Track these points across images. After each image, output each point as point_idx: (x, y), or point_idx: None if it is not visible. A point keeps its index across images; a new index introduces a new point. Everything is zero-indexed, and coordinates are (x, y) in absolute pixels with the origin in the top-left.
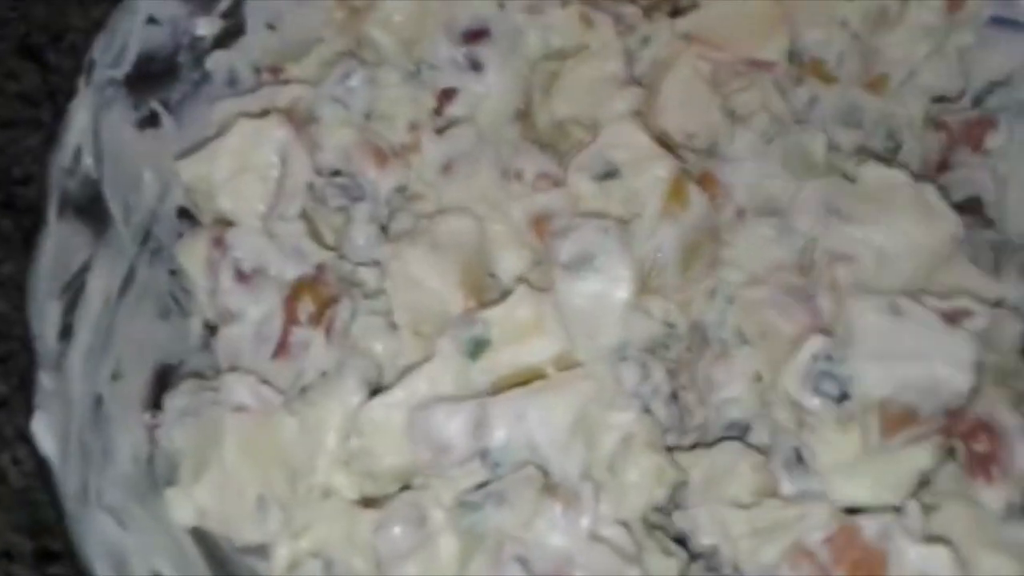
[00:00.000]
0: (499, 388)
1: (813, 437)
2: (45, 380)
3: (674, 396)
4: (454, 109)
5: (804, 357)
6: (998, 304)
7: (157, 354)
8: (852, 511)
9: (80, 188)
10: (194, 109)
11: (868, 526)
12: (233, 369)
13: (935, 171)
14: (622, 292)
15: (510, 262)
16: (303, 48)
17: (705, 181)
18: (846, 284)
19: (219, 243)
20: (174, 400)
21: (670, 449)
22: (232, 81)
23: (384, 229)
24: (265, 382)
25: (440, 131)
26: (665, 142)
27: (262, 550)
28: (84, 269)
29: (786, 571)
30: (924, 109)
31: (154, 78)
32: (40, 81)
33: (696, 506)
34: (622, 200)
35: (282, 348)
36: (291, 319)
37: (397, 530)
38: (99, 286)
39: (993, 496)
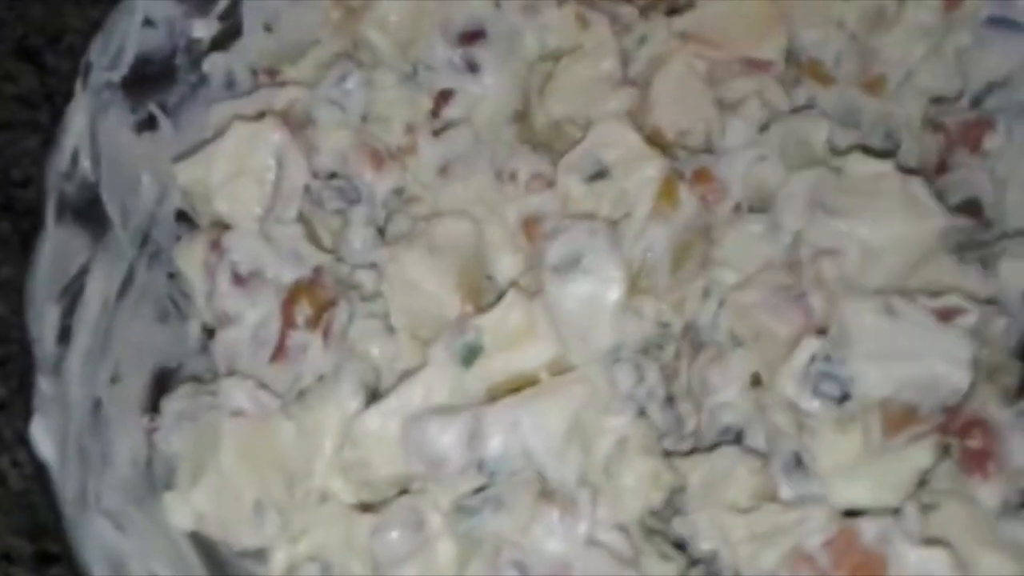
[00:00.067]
0: (494, 394)
1: (813, 440)
2: (44, 384)
3: (670, 400)
4: (451, 111)
5: (801, 359)
6: (989, 302)
7: (155, 357)
8: (851, 514)
9: (78, 191)
10: (191, 112)
11: (867, 529)
12: (231, 373)
13: (934, 172)
14: (613, 293)
15: (507, 265)
16: (299, 50)
17: (701, 177)
18: (832, 279)
19: (216, 246)
20: (172, 404)
21: (668, 454)
22: (229, 83)
23: (381, 232)
24: (263, 386)
25: (437, 133)
26: (658, 140)
27: (260, 554)
28: (82, 272)
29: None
30: (922, 110)
31: (151, 81)
32: (38, 83)
33: (695, 511)
34: (612, 200)
35: (280, 351)
36: (288, 322)
37: (395, 534)
38: (98, 289)
39: (989, 493)
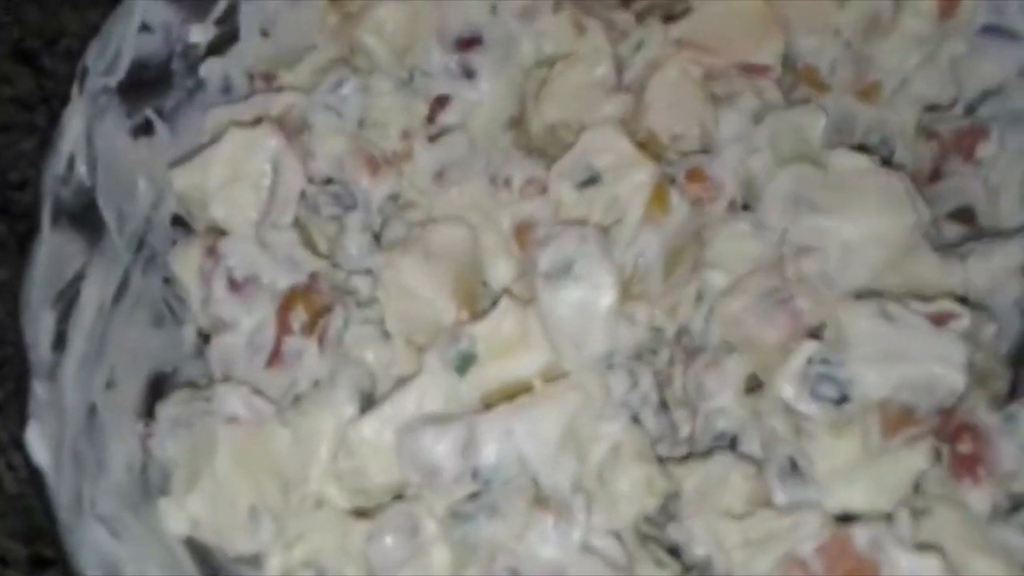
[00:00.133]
0: (488, 401)
1: (809, 443)
2: (39, 389)
3: (663, 406)
4: (447, 116)
5: (798, 362)
6: (977, 307)
7: (151, 362)
8: (844, 519)
9: (74, 196)
10: (188, 116)
11: (860, 535)
12: (226, 378)
13: (927, 180)
14: (605, 299)
15: (502, 271)
16: (296, 55)
17: (694, 176)
18: (811, 277)
19: (212, 252)
20: (167, 410)
21: (662, 460)
22: (226, 88)
23: (377, 238)
24: (258, 392)
25: (433, 138)
26: (652, 144)
27: (255, 560)
28: (78, 277)
29: None
30: (916, 117)
31: (148, 86)
32: (35, 85)
33: (689, 517)
34: (604, 206)
35: (275, 357)
36: (284, 328)
37: (389, 540)
38: (93, 294)
39: (979, 497)
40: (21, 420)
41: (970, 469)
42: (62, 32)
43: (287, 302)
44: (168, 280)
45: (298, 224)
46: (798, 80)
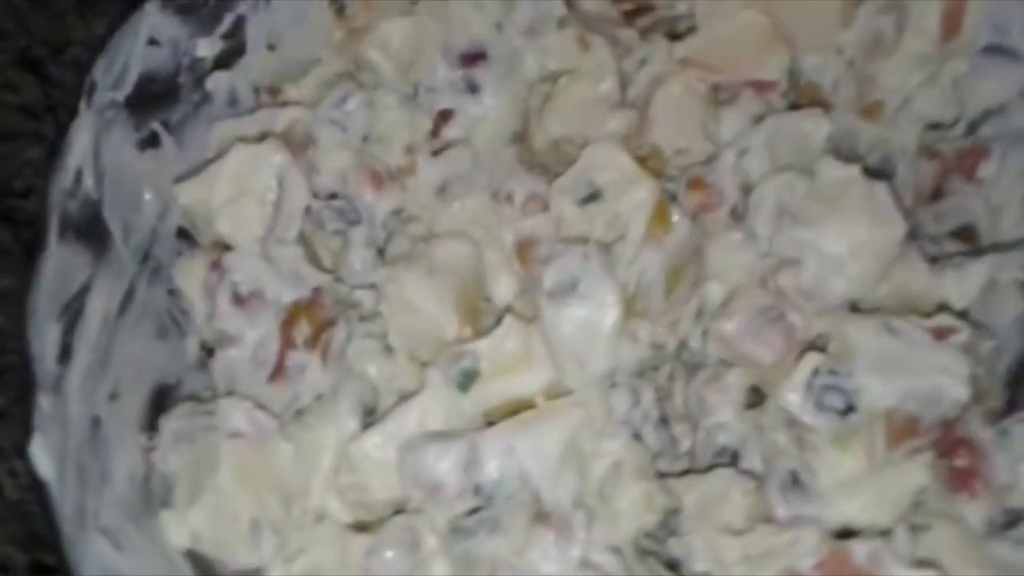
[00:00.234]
0: (490, 417)
1: (813, 456)
2: (44, 402)
3: (663, 421)
4: (450, 131)
5: (804, 373)
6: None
7: (154, 374)
8: (844, 535)
9: (80, 209)
10: (194, 129)
11: (858, 551)
12: (230, 392)
13: (929, 199)
14: (609, 317)
15: (504, 287)
16: (302, 69)
17: (695, 186)
18: (791, 291)
19: (217, 267)
20: (170, 424)
21: (662, 475)
22: (232, 101)
23: (381, 252)
24: (260, 407)
25: (436, 153)
26: (656, 158)
27: (256, 573)
28: (84, 290)
29: None
30: (918, 136)
31: (155, 99)
32: (41, 94)
33: (690, 533)
34: (605, 223)
35: (278, 371)
36: (287, 342)
37: (390, 554)
38: (98, 306)
39: (976, 512)
40: (23, 427)
41: (966, 483)
42: (68, 41)
43: (291, 316)
44: (172, 292)
45: (302, 239)
46: (801, 97)
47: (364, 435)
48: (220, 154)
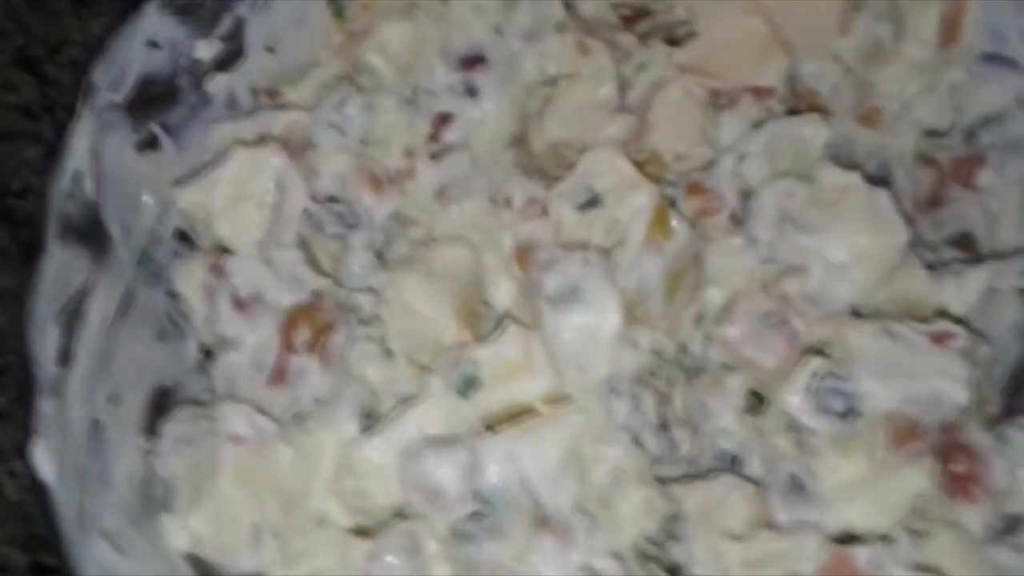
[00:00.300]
0: (490, 423)
1: (814, 460)
2: (44, 405)
3: (663, 425)
4: (449, 135)
5: (805, 376)
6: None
7: (154, 376)
8: (844, 540)
9: (80, 211)
10: (193, 131)
11: (860, 556)
12: (230, 396)
13: (927, 206)
14: (610, 323)
15: (503, 291)
16: (300, 71)
17: (694, 191)
18: (796, 298)
19: (216, 270)
20: (170, 428)
21: (662, 481)
22: (231, 103)
23: (380, 256)
24: (261, 411)
25: (435, 156)
26: (654, 163)
27: None
28: (83, 292)
29: None
30: (916, 143)
31: (154, 101)
32: (38, 94)
33: (691, 538)
34: (604, 229)
35: (278, 375)
36: (287, 346)
37: (391, 559)
38: (98, 309)
39: (975, 517)
40: (22, 428)
41: (964, 488)
42: (66, 40)
43: (291, 320)
44: (172, 294)
45: (302, 242)
46: (799, 103)
47: (364, 441)
48: (218, 157)
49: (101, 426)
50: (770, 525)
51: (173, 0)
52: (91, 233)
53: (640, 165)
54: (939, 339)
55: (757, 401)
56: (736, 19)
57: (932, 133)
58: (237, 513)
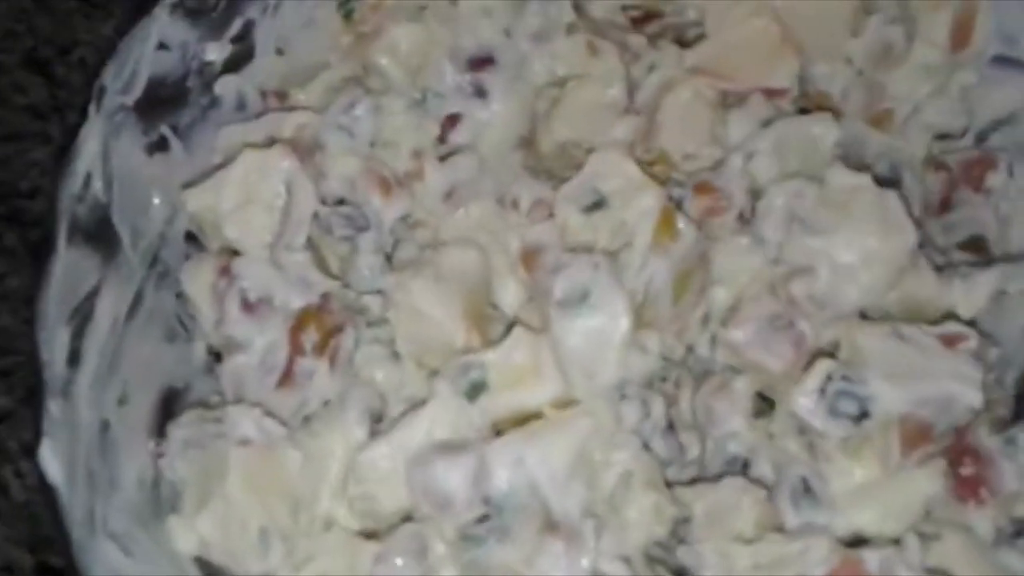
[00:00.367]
0: (498, 427)
1: (825, 464)
2: (53, 406)
3: (671, 428)
4: (458, 136)
5: (816, 379)
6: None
7: (163, 378)
8: (854, 544)
9: (89, 213)
10: (203, 133)
11: (870, 559)
12: (238, 398)
13: (938, 210)
14: (621, 327)
15: (511, 294)
16: (310, 73)
17: (702, 190)
18: (803, 299)
19: (226, 272)
20: (178, 431)
21: (671, 485)
22: (240, 105)
23: (388, 258)
24: (269, 414)
25: (443, 158)
26: (663, 163)
27: None
28: (93, 294)
29: None
30: (927, 146)
31: (164, 103)
32: (47, 95)
33: (700, 542)
34: (611, 231)
35: (287, 377)
36: (296, 349)
37: (399, 562)
38: (107, 310)
39: (984, 520)
40: (30, 428)
41: (973, 491)
42: (75, 42)
43: (299, 323)
44: (180, 296)
45: (310, 245)
46: (810, 105)
47: (372, 446)
48: (228, 159)
49: (110, 428)
50: (779, 529)
51: (183, 2)
52: (100, 234)
53: (648, 165)
54: (950, 341)
55: (765, 405)
56: (747, 20)
57: (943, 135)
58: (245, 516)
